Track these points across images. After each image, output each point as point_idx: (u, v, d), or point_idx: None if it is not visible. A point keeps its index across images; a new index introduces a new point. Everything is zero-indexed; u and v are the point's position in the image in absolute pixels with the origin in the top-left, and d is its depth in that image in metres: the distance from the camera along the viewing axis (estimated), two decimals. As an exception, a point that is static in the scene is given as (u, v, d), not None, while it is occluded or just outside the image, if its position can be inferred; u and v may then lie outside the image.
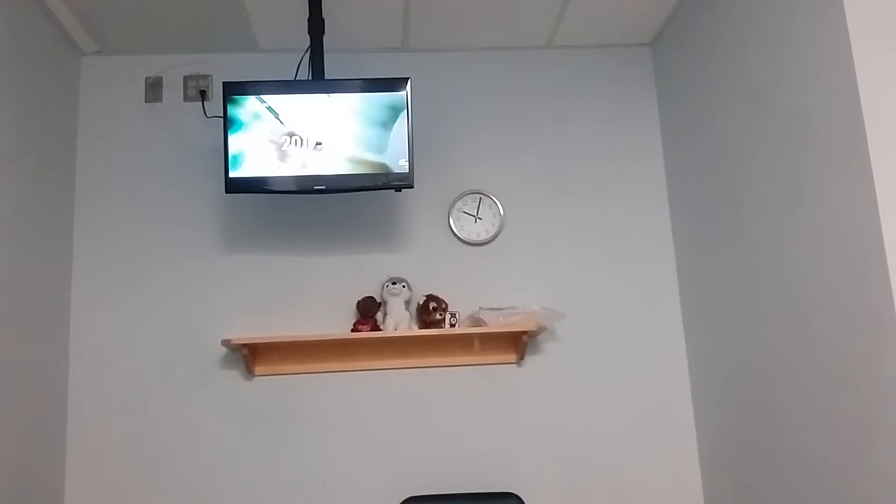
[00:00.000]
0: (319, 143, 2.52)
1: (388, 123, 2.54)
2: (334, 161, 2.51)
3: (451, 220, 2.89)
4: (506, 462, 2.75)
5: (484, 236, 2.88)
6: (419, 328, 2.74)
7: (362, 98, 2.54)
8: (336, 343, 2.75)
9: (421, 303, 2.74)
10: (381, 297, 2.76)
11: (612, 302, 2.88)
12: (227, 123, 2.51)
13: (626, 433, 2.79)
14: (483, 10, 2.74)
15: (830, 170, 1.90)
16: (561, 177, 2.96)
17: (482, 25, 2.84)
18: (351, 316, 2.79)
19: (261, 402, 2.73)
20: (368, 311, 2.73)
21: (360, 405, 2.75)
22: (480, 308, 2.72)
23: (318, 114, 2.52)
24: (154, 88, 2.91)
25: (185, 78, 2.92)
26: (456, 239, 2.88)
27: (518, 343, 2.76)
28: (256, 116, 2.52)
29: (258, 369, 2.74)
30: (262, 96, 2.52)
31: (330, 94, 2.54)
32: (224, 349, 2.74)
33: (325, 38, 2.71)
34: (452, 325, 2.72)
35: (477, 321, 2.73)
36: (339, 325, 2.79)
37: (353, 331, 2.71)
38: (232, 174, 2.50)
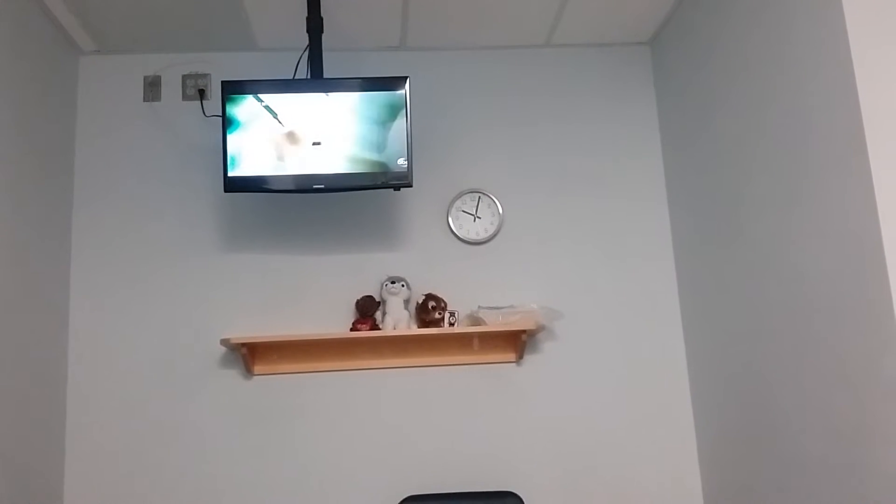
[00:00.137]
0: (318, 142, 2.51)
1: (386, 122, 2.53)
2: (333, 160, 2.51)
3: (450, 219, 2.88)
4: (505, 461, 2.74)
5: (483, 235, 2.88)
6: (418, 327, 2.74)
7: (361, 97, 2.53)
8: (335, 342, 2.75)
9: (420, 302, 2.74)
10: (380, 296, 2.76)
11: (611, 301, 2.88)
12: (226, 122, 2.51)
13: (626, 432, 2.79)
14: (482, 9, 2.74)
15: (830, 168, 1.90)
16: (560, 176, 2.95)
17: (481, 24, 2.84)
18: (350, 315, 2.79)
19: (260, 402, 2.73)
20: (367, 310, 2.73)
21: (359, 404, 2.75)
22: (479, 307, 2.72)
23: (317, 113, 2.52)
24: (153, 87, 2.91)
25: (184, 77, 2.92)
26: (455, 238, 2.88)
27: (517, 342, 2.76)
28: (255, 116, 2.51)
29: (257, 368, 2.74)
30: (261, 95, 2.52)
31: (328, 93, 2.53)
32: (223, 348, 2.74)
33: (324, 37, 2.71)
34: (451, 325, 2.72)
35: (476, 320, 2.73)
36: (339, 324, 2.78)
37: (352, 330, 2.71)
38: (230, 173, 2.50)
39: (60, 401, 2.65)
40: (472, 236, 2.88)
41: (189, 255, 2.81)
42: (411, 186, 2.55)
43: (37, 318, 2.50)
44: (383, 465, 2.72)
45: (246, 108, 2.51)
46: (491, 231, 2.88)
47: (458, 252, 2.88)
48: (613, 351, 2.84)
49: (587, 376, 2.82)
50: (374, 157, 2.52)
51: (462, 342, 2.80)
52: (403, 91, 2.55)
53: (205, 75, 2.92)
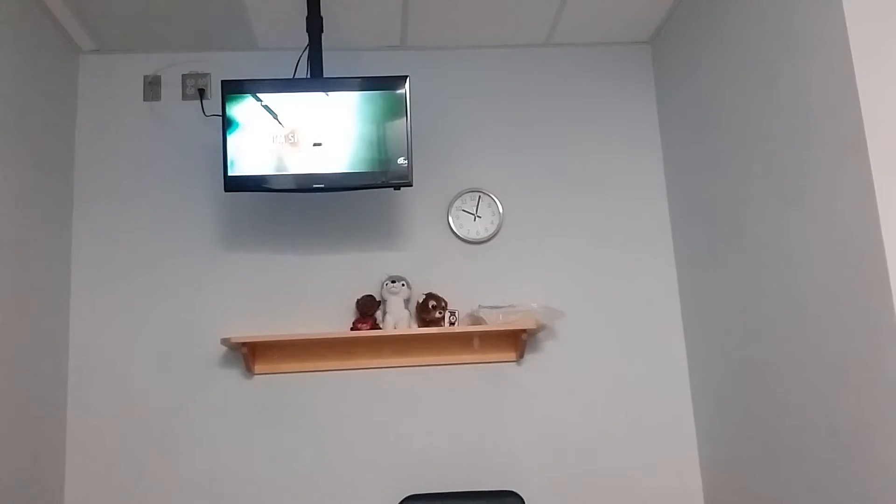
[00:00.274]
0: (318, 142, 2.51)
1: (386, 121, 2.53)
2: (333, 159, 2.51)
3: (450, 219, 2.88)
4: (505, 460, 2.75)
5: (483, 234, 2.88)
6: (418, 327, 2.74)
7: (361, 96, 2.53)
8: (335, 341, 2.75)
9: (420, 301, 2.74)
10: (381, 295, 2.76)
11: (611, 299, 2.88)
12: (226, 122, 2.51)
13: (627, 431, 2.79)
14: (482, 8, 2.74)
15: (830, 168, 1.90)
16: (560, 174, 2.95)
17: (481, 23, 2.84)
18: (350, 314, 2.79)
19: (260, 401, 2.73)
20: (368, 309, 2.73)
21: (359, 404, 2.75)
22: (480, 306, 2.72)
23: (317, 112, 2.52)
24: (152, 87, 2.91)
25: (184, 76, 2.92)
26: (455, 237, 2.88)
27: (517, 341, 2.76)
28: (255, 115, 2.51)
29: (258, 368, 2.74)
30: (261, 95, 2.52)
31: (329, 93, 2.53)
32: (223, 348, 2.74)
33: (324, 37, 2.71)
34: (452, 324, 2.72)
35: (476, 319, 2.73)
36: (339, 323, 2.78)
37: (352, 329, 2.71)
38: (231, 173, 2.49)
39: (61, 400, 2.65)
40: (473, 235, 2.88)
41: (189, 254, 2.81)
42: (411, 186, 2.55)
43: (37, 317, 2.50)
44: (384, 464, 2.72)
45: (246, 108, 2.51)
46: (491, 230, 2.88)
47: (458, 251, 2.88)
48: (614, 350, 2.84)
49: (588, 375, 2.82)
50: (375, 156, 2.52)
51: (462, 341, 2.80)
52: (403, 90, 2.55)
53: (205, 75, 2.92)
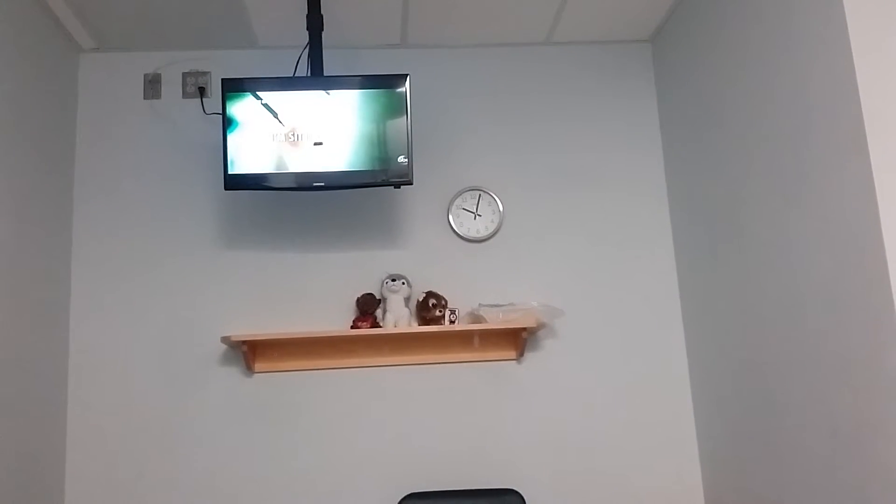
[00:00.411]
0: (319, 140, 2.51)
1: (387, 120, 2.53)
2: (333, 158, 2.51)
3: (450, 217, 2.88)
4: (506, 458, 2.75)
5: (483, 233, 2.88)
6: (419, 325, 2.74)
7: (361, 95, 2.53)
8: (336, 340, 2.75)
9: (420, 299, 2.74)
10: (381, 293, 2.76)
11: (611, 298, 2.88)
12: (226, 120, 2.50)
13: (627, 429, 2.79)
14: (482, 7, 2.73)
15: (830, 167, 1.90)
16: (560, 173, 2.95)
17: (481, 22, 2.84)
18: (350, 313, 2.79)
19: (260, 399, 2.73)
20: (368, 307, 2.73)
21: (359, 402, 2.76)
22: (480, 305, 2.72)
23: (318, 110, 2.52)
24: (153, 85, 2.91)
25: (184, 75, 2.91)
26: (455, 235, 2.88)
27: (517, 340, 2.76)
28: (255, 113, 2.51)
29: (258, 366, 2.74)
30: (261, 93, 2.52)
31: (329, 91, 2.53)
32: (224, 346, 2.74)
33: (324, 35, 2.71)
34: (452, 322, 2.72)
35: (476, 318, 2.73)
36: (339, 321, 2.78)
37: (352, 328, 2.71)
38: (231, 171, 2.49)
39: (61, 399, 2.65)
40: (473, 234, 2.88)
41: (189, 252, 2.81)
42: (412, 184, 2.55)
43: (37, 316, 2.50)
44: (384, 462, 2.72)
45: (246, 106, 2.51)
46: (491, 229, 2.88)
47: (458, 250, 2.88)
48: (614, 348, 2.84)
49: (588, 373, 2.82)
50: (375, 154, 2.52)
51: (462, 340, 2.80)
52: (404, 89, 2.54)
53: (205, 73, 2.91)
